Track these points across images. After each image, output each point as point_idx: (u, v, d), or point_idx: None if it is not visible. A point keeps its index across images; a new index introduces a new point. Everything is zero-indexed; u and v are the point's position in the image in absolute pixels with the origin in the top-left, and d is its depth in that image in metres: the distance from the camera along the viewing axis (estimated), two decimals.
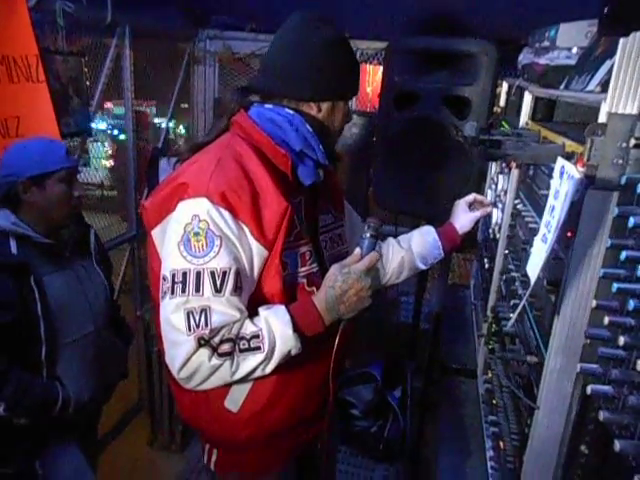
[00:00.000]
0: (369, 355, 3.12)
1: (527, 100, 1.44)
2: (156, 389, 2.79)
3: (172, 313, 1.00)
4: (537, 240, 0.95)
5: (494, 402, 1.42)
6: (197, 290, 1.00)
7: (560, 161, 0.87)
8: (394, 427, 2.77)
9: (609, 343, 0.74)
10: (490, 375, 1.55)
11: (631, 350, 0.69)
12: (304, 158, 1.14)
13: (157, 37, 2.67)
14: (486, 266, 1.85)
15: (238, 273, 1.03)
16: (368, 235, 1.14)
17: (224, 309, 1.01)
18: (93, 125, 2.33)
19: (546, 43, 1.43)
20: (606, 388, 0.72)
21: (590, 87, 0.95)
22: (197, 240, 1.00)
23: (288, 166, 1.11)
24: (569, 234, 0.87)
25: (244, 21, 2.92)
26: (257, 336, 1.02)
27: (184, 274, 1.00)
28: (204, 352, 0.99)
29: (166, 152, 2.82)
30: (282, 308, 1.06)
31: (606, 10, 0.61)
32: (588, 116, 1.23)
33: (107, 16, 2.16)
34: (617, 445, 0.64)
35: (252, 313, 1.06)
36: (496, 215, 1.75)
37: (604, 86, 0.87)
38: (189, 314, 0.99)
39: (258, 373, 1.05)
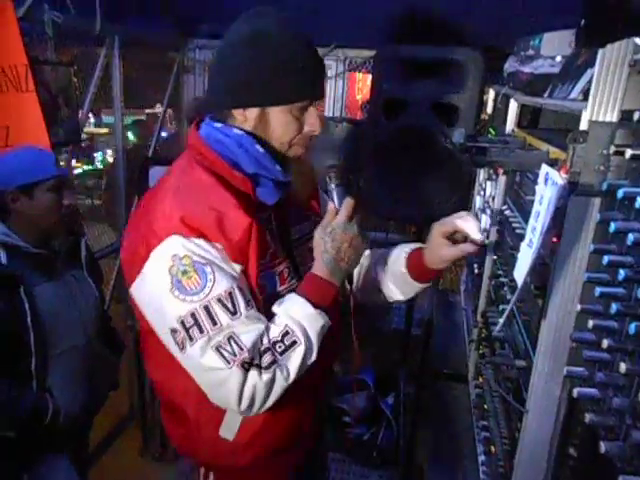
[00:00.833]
0: (361, 362, 3.12)
1: (513, 107, 1.46)
2: (147, 399, 2.77)
3: (201, 357, 0.95)
4: (524, 245, 0.96)
5: (485, 407, 1.43)
6: (214, 323, 0.95)
7: (544, 168, 0.88)
8: (387, 434, 2.76)
9: (594, 346, 0.76)
10: (481, 380, 1.56)
11: (615, 353, 0.71)
12: (260, 179, 1.06)
13: (146, 46, 2.67)
14: (476, 271, 1.87)
15: (241, 288, 0.99)
16: (334, 186, 1.09)
17: (248, 327, 0.97)
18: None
19: (531, 52, 1.46)
20: (592, 391, 0.73)
21: (573, 95, 0.97)
22: (188, 277, 0.95)
23: (249, 188, 1.04)
24: (554, 239, 0.89)
25: None
26: (287, 332, 0.99)
27: (193, 315, 0.95)
28: (253, 374, 0.95)
29: (157, 160, 2.82)
30: (292, 296, 1.03)
31: (583, 22, 0.62)
32: (571, 123, 1.26)
33: (96, 26, 2.16)
34: (602, 447, 0.65)
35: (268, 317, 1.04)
36: (484, 221, 1.77)
37: (585, 94, 0.89)
38: (218, 349, 0.95)
39: (309, 362, 1.01)
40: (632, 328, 0.64)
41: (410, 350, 2.81)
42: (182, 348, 0.97)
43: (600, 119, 0.75)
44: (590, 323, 0.72)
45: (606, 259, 0.69)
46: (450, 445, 1.57)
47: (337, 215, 1.06)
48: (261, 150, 1.04)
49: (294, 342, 0.99)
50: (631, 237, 0.66)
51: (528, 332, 1.09)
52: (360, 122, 2.88)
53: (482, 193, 1.90)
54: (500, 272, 1.40)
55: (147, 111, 4.10)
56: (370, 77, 2.87)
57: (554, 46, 1.33)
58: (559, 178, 0.80)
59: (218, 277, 0.96)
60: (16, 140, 1.76)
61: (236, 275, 1.00)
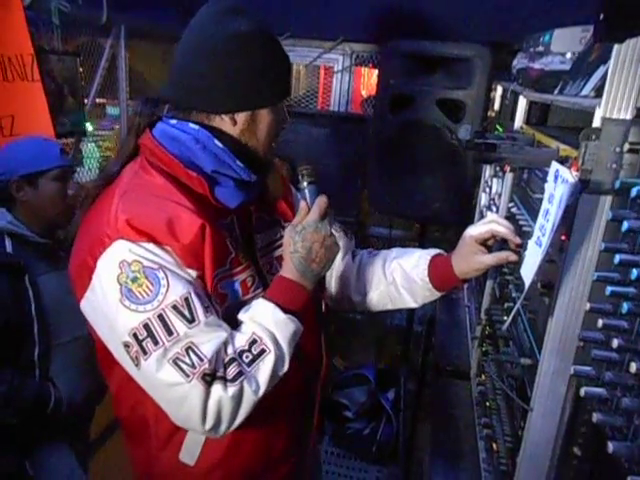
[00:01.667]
0: (363, 357, 3.13)
1: (521, 104, 1.45)
2: None
3: (157, 372, 0.87)
4: (531, 243, 0.95)
5: (487, 404, 1.42)
6: (170, 333, 0.87)
7: (554, 165, 0.88)
8: (387, 429, 2.78)
9: (603, 345, 0.75)
10: (483, 377, 1.55)
11: (625, 353, 0.70)
12: (220, 178, 0.99)
13: (153, 38, 2.66)
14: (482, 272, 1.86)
15: (198, 294, 0.91)
16: (306, 184, 1.04)
17: (208, 335, 0.89)
18: None
19: (540, 48, 1.44)
20: (599, 390, 0.73)
21: (584, 92, 0.96)
22: (139, 285, 0.87)
23: (205, 189, 0.96)
24: (563, 237, 0.88)
25: None
26: (255, 341, 0.92)
27: (146, 326, 0.86)
28: (217, 387, 0.87)
29: None
30: (259, 301, 0.96)
31: (602, 17, 0.62)
32: (581, 121, 1.25)
33: (102, 16, 2.15)
34: (610, 447, 0.64)
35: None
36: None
37: (598, 91, 0.88)
38: (176, 362, 0.86)
39: (281, 373, 0.94)
40: None
41: (412, 346, 2.82)
42: (137, 364, 0.88)
43: (614, 116, 0.74)
44: (600, 322, 0.72)
45: (618, 258, 0.69)
46: (450, 441, 1.57)
47: (309, 213, 1.01)
48: (220, 145, 0.98)
49: (263, 351, 0.91)
50: None
51: (533, 330, 1.09)
52: (365, 117, 2.87)
53: (488, 190, 1.89)
54: (505, 270, 1.39)
55: None
56: (376, 72, 2.86)
57: (564, 42, 1.32)
58: (570, 176, 0.80)
59: (172, 282, 0.88)
60: (21, 130, 1.76)
61: (192, 280, 0.91)
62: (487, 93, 2.03)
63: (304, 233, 0.98)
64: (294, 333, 0.95)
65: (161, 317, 0.87)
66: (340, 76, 2.90)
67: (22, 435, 1.54)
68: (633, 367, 0.64)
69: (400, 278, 1.20)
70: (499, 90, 2.05)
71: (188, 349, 0.87)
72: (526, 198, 1.30)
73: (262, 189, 1.09)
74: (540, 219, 0.91)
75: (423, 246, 2.02)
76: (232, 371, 0.89)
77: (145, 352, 0.87)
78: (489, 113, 2.13)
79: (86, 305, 0.94)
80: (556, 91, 1.15)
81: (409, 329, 2.80)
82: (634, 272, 0.66)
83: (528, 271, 0.96)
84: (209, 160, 0.97)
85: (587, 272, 0.81)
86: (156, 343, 0.86)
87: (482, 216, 2.02)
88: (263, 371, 0.91)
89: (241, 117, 1.00)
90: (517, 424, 1.10)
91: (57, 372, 1.58)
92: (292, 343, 0.95)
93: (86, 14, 2.11)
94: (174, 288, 0.88)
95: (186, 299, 0.89)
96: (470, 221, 2.21)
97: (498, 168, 1.66)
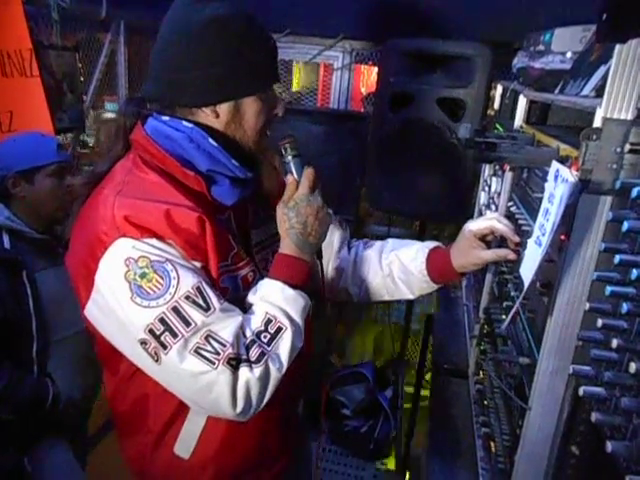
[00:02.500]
0: (361, 355, 3.14)
1: (522, 103, 1.45)
2: None
3: (181, 363, 0.86)
4: (530, 243, 0.95)
5: (485, 403, 1.43)
6: (188, 324, 0.86)
7: (555, 165, 0.88)
8: (385, 427, 2.78)
9: (602, 345, 0.75)
10: (482, 376, 1.55)
11: (624, 353, 0.70)
12: (216, 177, 0.98)
13: (152, 33, 2.65)
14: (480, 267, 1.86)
15: (208, 282, 0.92)
16: (290, 157, 1.03)
17: (225, 320, 0.90)
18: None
19: (541, 47, 1.44)
20: (598, 390, 0.73)
21: (585, 92, 0.96)
22: (148, 280, 0.86)
23: (202, 187, 0.96)
24: (562, 237, 0.88)
25: None
26: (269, 320, 0.92)
27: (162, 320, 0.86)
28: (243, 370, 0.88)
29: None
30: (266, 281, 0.97)
31: (604, 17, 0.62)
32: (581, 120, 1.25)
33: (102, 11, 2.15)
34: (609, 446, 0.65)
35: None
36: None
37: (599, 91, 0.88)
38: (198, 351, 0.86)
39: (299, 346, 0.95)
40: None
41: (410, 344, 2.83)
42: (157, 359, 0.87)
43: (615, 116, 0.74)
44: (599, 322, 0.72)
45: (618, 258, 0.69)
46: (448, 440, 1.58)
47: (298, 187, 1.00)
48: (215, 144, 0.96)
49: (279, 329, 0.92)
50: None
51: (532, 329, 1.09)
52: (365, 115, 2.87)
53: (487, 189, 1.89)
54: (504, 268, 1.39)
55: None
56: (375, 69, 2.85)
57: (565, 42, 1.32)
58: (570, 175, 0.80)
59: (182, 273, 0.88)
60: (20, 125, 1.76)
61: (198, 271, 0.92)
62: (487, 92, 2.03)
63: (297, 208, 0.98)
64: (304, 307, 0.97)
65: (176, 309, 0.86)
66: (340, 73, 2.89)
67: (20, 431, 1.55)
68: (632, 367, 0.64)
69: (397, 270, 1.20)
70: (499, 89, 2.04)
71: (208, 337, 0.87)
72: (526, 197, 1.30)
73: (257, 184, 1.08)
74: (540, 218, 0.92)
75: None
76: (255, 352, 0.89)
77: (165, 346, 0.86)
78: (489, 112, 2.13)
79: (93, 308, 0.92)
80: (556, 90, 1.14)
81: (407, 327, 2.80)
82: (634, 272, 0.66)
83: (527, 270, 0.96)
84: (203, 159, 0.96)
85: (587, 272, 0.81)
86: (175, 336, 0.86)
87: (481, 215, 2.02)
88: (283, 348, 0.92)
89: (223, 108, 0.96)
90: (515, 423, 1.11)
91: (55, 368, 1.58)
92: (304, 317, 0.97)
93: (85, 9, 2.11)
94: (185, 279, 0.88)
95: (198, 288, 0.88)
96: (469, 219, 2.21)
97: (497, 167, 1.66)
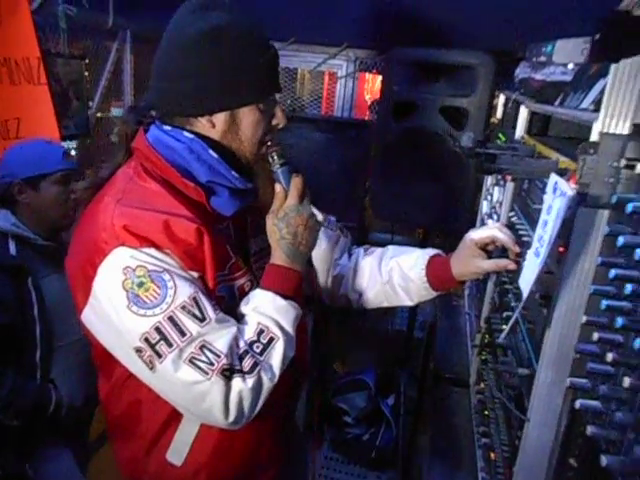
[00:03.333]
0: (363, 363, 3.13)
1: (523, 114, 1.46)
2: None
3: (176, 372, 0.87)
4: (530, 254, 0.96)
5: (486, 413, 1.43)
6: (183, 334, 0.87)
7: (553, 177, 0.88)
8: (386, 435, 2.77)
9: (598, 359, 0.76)
10: (483, 386, 1.55)
11: (619, 366, 0.71)
12: (215, 187, 0.98)
13: (158, 41, 2.68)
14: (480, 277, 1.86)
15: (204, 293, 0.92)
16: (278, 166, 1.01)
17: (220, 331, 0.90)
18: None
19: (543, 58, 1.45)
20: (594, 403, 0.73)
21: (584, 105, 0.97)
22: (145, 289, 0.87)
23: (202, 198, 0.96)
24: (561, 249, 0.89)
25: None
26: (262, 330, 0.93)
27: (157, 329, 0.87)
28: (236, 381, 0.89)
29: None
30: (257, 292, 0.98)
31: (598, 36, 0.62)
32: (581, 132, 1.25)
33: (108, 20, 2.17)
34: (603, 460, 0.65)
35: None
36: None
37: (597, 104, 0.89)
38: (192, 361, 0.87)
39: (291, 356, 0.96)
40: (638, 343, 0.64)
41: (412, 352, 2.82)
42: (151, 367, 0.88)
43: (612, 131, 0.75)
44: (595, 335, 0.72)
45: (613, 272, 0.69)
46: (449, 449, 1.57)
47: (287, 197, 1.00)
48: (215, 156, 0.97)
49: (271, 339, 0.93)
50: (639, 252, 0.66)
51: (532, 340, 1.09)
52: (368, 123, 2.88)
53: (489, 198, 1.89)
54: (505, 279, 1.40)
55: None
56: (379, 78, 2.87)
57: (567, 53, 1.32)
58: (568, 188, 0.80)
59: (179, 283, 0.88)
60: (27, 132, 1.78)
61: (195, 281, 0.92)
62: (490, 101, 2.04)
63: (287, 219, 0.99)
64: (296, 317, 0.98)
65: (172, 319, 0.87)
66: (344, 82, 2.91)
67: (23, 437, 1.55)
68: (626, 381, 0.65)
69: (397, 277, 1.20)
70: (502, 98, 2.05)
71: (202, 347, 0.88)
72: (526, 208, 1.30)
73: (255, 194, 1.08)
74: (539, 230, 0.92)
75: None
76: (248, 363, 0.90)
77: (160, 355, 0.87)
78: (492, 120, 2.13)
79: (89, 314, 0.93)
80: (557, 102, 1.15)
81: (410, 335, 2.80)
82: (628, 287, 0.67)
83: (526, 281, 0.96)
84: (203, 170, 0.96)
85: (584, 285, 0.81)
86: (170, 345, 0.87)
87: (483, 224, 2.02)
88: (275, 358, 0.93)
89: (219, 118, 0.96)
90: (514, 434, 1.11)
91: (58, 374, 1.59)
92: (295, 327, 0.98)
93: (92, 18, 2.13)
94: (181, 289, 0.88)
95: (194, 298, 0.89)
96: (471, 228, 2.21)
97: (500, 177, 1.67)
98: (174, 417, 1.02)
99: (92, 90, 2.30)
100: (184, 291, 0.89)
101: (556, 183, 0.87)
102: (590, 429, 0.70)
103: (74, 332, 1.61)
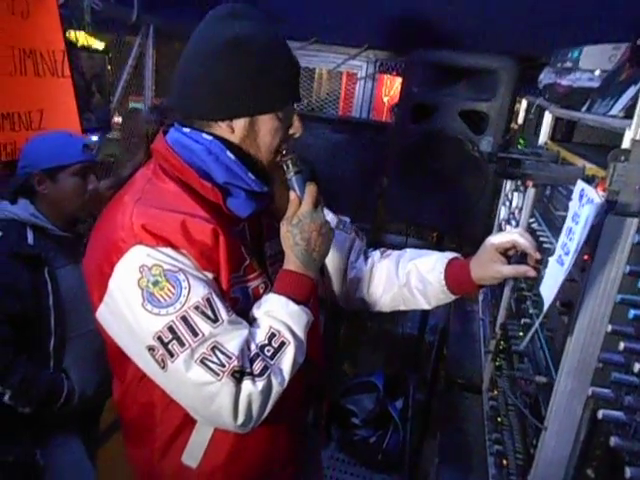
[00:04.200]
0: (372, 365, 3.12)
1: (547, 120, 1.44)
2: None
3: (187, 372, 0.88)
4: (552, 261, 0.94)
5: (499, 420, 1.41)
6: (195, 334, 0.88)
7: (580, 184, 0.87)
8: (394, 438, 2.76)
9: (623, 369, 0.74)
10: (496, 392, 1.54)
11: None
12: (232, 189, 0.99)
13: (180, 38, 2.70)
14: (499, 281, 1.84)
15: (218, 294, 0.93)
16: (292, 173, 1.02)
17: (232, 333, 0.91)
18: None
19: (568, 64, 1.43)
20: (618, 414, 0.72)
21: (614, 111, 0.95)
22: (160, 288, 0.87)
23: (219, 199, 0.97)
24: (585, 257, 0.87)
25: None
26: (273, 334, 0.94)
27: (170, 329, 0.88)
28: (246, 383, 0.89)
29: None
30: (270, 296, 0.99)
31: (638, 42, 0.61)
32: (608, 139, 1.24)
33: (133, 15, 2.19)
34: (628, 472, 0.64)
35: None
36: None
37: (628, 111, 0.87)
38: (203, 361, 0.88)
39: (301, 361, 0.97)
40: None
41: (423, 356, 2.81)
42: (163, 366, 0.89)
43: None
44: (621, 345, 0.71)
45: None
46: (459, 455, 1.56)
47: (301, 204, 1.01)
48: (232, 157, 0.98)
49: (282, 343, 0.94)
50: None
51: (550, 348, 1.08)
52: (386, 124, 2.87)
53: (508, 204, 1.88)
54: (523, 285, 1.38)
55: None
56: (398, 80, 2.86)
57: (594, 60, 1.31)
58: (596, 196, 0.79)
59: (193, 284, 0.89)
60: (49, 124, 1.80)
61: (209, 282, 0.93)
62: (511, 106, 2.02)
63: (301, 225, 1.00)
64: (307, 323, 0.99)
65: (185, 319, 0.88)
66: (363, 83, 2.90)
67: (34, 425, 1.57)
68: None
69: (415, 280, 1.20)
70: (523, 104, 2.03)
71: (214, 348, 0.88)
72: (548, 215, 1.29)
73: (271, 198, 1.09)
74: (563, 237, 0.91)
75: None
76: (258, 366, 0.91)
77: (172, 354, 0.88)
78: (512, 126, 2.11)
79: (104, 311, 0.94)
80: (584, 108, 1.14)
81: (421, 339, 2.79)
82: None
83: (548, 289, 0.95)
84: (221, 172, 0.97)
85: (610, 294, 0.80)
86: (182, 345, 0.87)
87: (501, 229, 2.00)
88: (286, 362, 0.94)
89: (239, 124, 0.98)
90: (529, 442, 1.09)
91: (71, 364, 1.60)
92: (306, 332, 0.98)
93: (117, 12, 2.15)
94: (195, 289, 0.89)
95: (208, 299, 0.90)
96: (488, 234, 2.19)
97: (520, 182, 1.65)
98: (189, 421, 1.02)
99: (113, 84, 2.32)
100: (198, 291, 0.89)
101: (583, 190, 0.86)
102: (614, 440, 0.69)
103: (87, 322, 1.62)
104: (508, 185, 1.96)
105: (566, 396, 0.90)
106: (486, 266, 1.08)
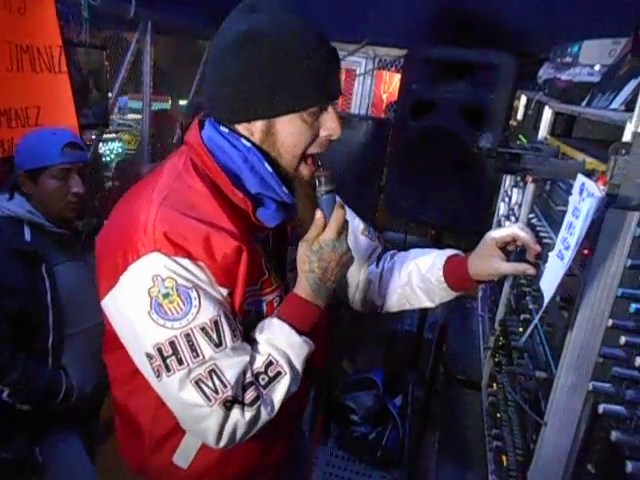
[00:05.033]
0: (372, 362, 3.12)
1: (547, 115, 1.44)
2: None
3: (180, 391, 0.87)
4: (552, 256, 0.94)
5: (498, 415, 1.41)
6: (196, 355, 0.86)
7: (580, 178, 0.87)
8: (393, 435, 2.76)
9: (624, 363, 0.74)
10: (495, 388, 1.54)
11: None
12: (264, 200, 0.95)
13: (178, 34, 2.69)
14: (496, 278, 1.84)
15: (227, 316, 0.90)
16: (323, 191, 0.96)
17: (233, 360, 0.88)
18: None
19: (568, 59, 1.43)
20: (619, 408, 0.72)
21: (614, 105, 0.95)
22: (170, 302, 0.85)
23: (249, 209, 0.93)
24: (586, 252, 0.87)
25: None
26: (271, 363, 0.92)
27: (172, 344, 0.85)
28: (235, 412, 0.88)
29: None
30: (274, 322, 0.95)
31: None
32: (608, 133, 1.23)
33: (130, 10, 2.17)
34: (629, 466, 0.63)
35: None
36: None
37: (629, 105, 0.87)
38: (198, 383, 0.86)
39: (293, 391, 0.95)
40: None
41: (422, 353, 2.80)
42: (158, 376, 0.88)
43: None
44: (622, 339, 0.71)
45: None
46: (458, 451, 1.56)
47: (325, 230, 0.95)
48: (269, 170, 0.93)
49: (278, 373, 0.92)
50: None
51: (550, 343, 1.08)
52: (385, 121, 2.87)
53: (507, 200, 1.87)
54: (523, 280, 1.38)
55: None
56: (397, 76, 2.85)
57: (593, 54, 1.31)
58: (596, 190, 0.79)
59: (204, 303, 0.87)
60: (47, 120, 1.78)
61: (222, 300, 0.90)
62: (510, 102, 2.01)
63: (321, 253, 0.95)
64: (308, 354, 0.96)
65: (188, 336, 0.86)
66: (362, 79, 2.89)
67: (33, 422, 1.56)
68: None
69: (416, 278, 1.19)
70: (523, 99, 2.03)
71: (212, 372, 0.87)
72: (548, 210, 1.28)
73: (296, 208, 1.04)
74: (563, 232, 0.90)
75: None
76: (250, 395, 0.89)
77: (169, 369, 0.86)
78: (511, 122, 2.11)
79: (110, 303, 0.92)
80: (584, 103, 1.13)
81: (420, 335, 2.79)
82: None
83: (548, 284, 0.94)
84: (255, 182, 0.93)
85: (610, 288, 0.80)
86: (181, 363, 0.86)
87: (500, 225, 2.00)
88: (278, 393, 0.92)
89: (257, 127, 0.92)
90: (529, 437, 1.09)
91: (69, 361, 1.60)
92: (304, 363, 0.96)
93: (114, 8, 2.13)
94: (205, 309, 0.87)
95: (215, 322, 0.87)
96: (487, 230, 2.19)
97: (519, 178, 1.65)
98: None
99: (111, 81, 2.31)
100: (207, 312, 0.87)
101: (583, 184, 0.85)
102: (615, 434, 0.69)
103: (86, 320, 1.62)
104: (507, 181, 1.96)
105: (566, 391, 0.90)
106: (484, 261, 1.05)
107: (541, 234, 1.24)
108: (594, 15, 1.77)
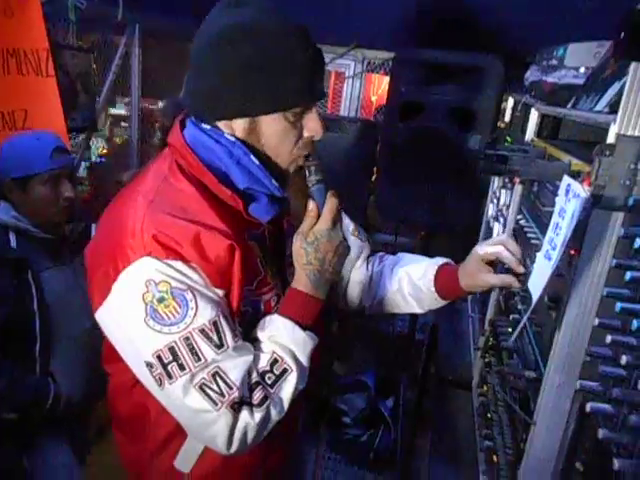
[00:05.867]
0: (363, 364, 3.12)
1: (533, 117, 1.45)
2: None
3: (184, 398, 0.84)
4: (539, 256, 0.95)
5: (489, 415, 1.42)
6: (197, 359, 0.83)
7: (566, 179, 0.88)
8: (385, 437, 2.76)
9: (610, 362, 0.75)
10: (485, 388, 1.55)
11: (633, 369, 0.70)
12: (255, 194, 0.92)
13: (165, 37, 2.68)
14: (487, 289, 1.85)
15: (226, 316, 0.87)
16: (315, 182, 0.94)
17: (236, 360, 0.86)
18: None
19: (554, 62, 1.45)
20: (606, 406, 0.73)
21: (598, 107, 0.96)
22: (165, 306, 0.82)
23: (239, 206, 0.91)
24: (572, 252, 0.88)
25: None
26: (276, 360, 0.89)
27: (171, 349, 0.83)
28: (244, 414, 0.85)
29: None
30: (276, 318, 0.93)
31: (622, 35, 0.62)
32: (593, 135, 1.25)
33: (118, 14, 2.16)
34: (616, 464, 0.64)
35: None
36: (497, 230, 1.76)
37: (613, 107, 0.88)
38: (202, 388, 0.83)
39: (301, 388, 0.93)
40: None
41: (413, 354, 2.81)
42: (160, 384, 0.85)
43: (629, 133, 0.74)
44: (608, 338, 0.72)
45: (629, 275, 0.68)
46: (449, 451, 1.57)
47: (319, 220, 0.93)
48: (256, 162, 0.90)
49: (285, 370, 0.89)
50: None
51: (539, 343, 1.09)
52: (375, 123, 2.88)
53: (495, 201, 1.89)
54: None
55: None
56: (386, 79, 2.87)
57: (579, 57, 1.32)
58: (582, 190, 0.80)
59: (201, 304, 0.84)
60: (34, 123, 1.77)
61: (219, 300, 0.88)
62: (498, 104, 2.04)
63: (317, 244, 0.93)
64: (312, 348, 0.94)
65: (187, 340, 0.83)
66: (351, 82, 2.90)
67: (20, 429, 1.54)
68: None
69: (407, 286, 1.18)
70: (510, 102, 2.05)
71: (215, 375, 0.84)
72: (535, 211, 1.30)
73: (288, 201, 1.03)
74: (550, 233, 0.91)
75: (427, 254, 2.02)
76: (258, 395, 0.87)
77: (170, 376, 0.84)
78: (499, 124, 2.13)
79: (104, 314, 0.89)
80: (569, 105, 1.15)
81: (411, 337, 2.79)
82: None
83: (536, 285, 0.95)
84: (242, 176, 0.90)
85: (596, 287, 0.81)
86: (182, 368, 0.83)
87: (489, 227, 2.02)
88: (286, 390, 0.90)
89: (238, 124, 0.89)
90: (519, 437, 1.10)
91: (58, 367, 1.58)
92: (310, 358, 0.94)
93: (102, 11, 2.13)
94: (203, 311, 0.84)
95: (215, 323, 0.85)
96: (476, 231, 2.21)
97: (507, 179, 1.66)
98: (183, 428, 0.99)
99: (99, 84, 2.30)
100: (205, 314, 0.84)
101: (569, 185, 0.86)
102: (602, 432, 0.69)
103: (75, 325, 1.60)
104: (496, 182, 1.97)
105: (555, 390, 0.91)
106: (473, 276, 1.06)
107: (529, 235, 1.25)
108: (579, 18, 1.79)
